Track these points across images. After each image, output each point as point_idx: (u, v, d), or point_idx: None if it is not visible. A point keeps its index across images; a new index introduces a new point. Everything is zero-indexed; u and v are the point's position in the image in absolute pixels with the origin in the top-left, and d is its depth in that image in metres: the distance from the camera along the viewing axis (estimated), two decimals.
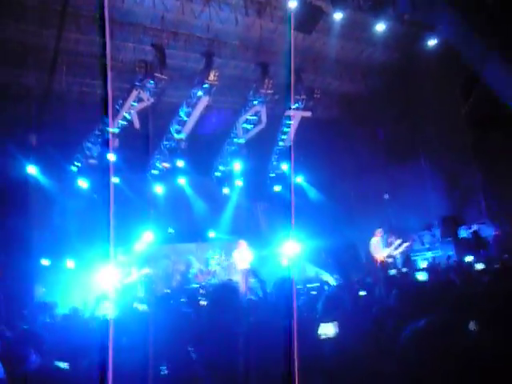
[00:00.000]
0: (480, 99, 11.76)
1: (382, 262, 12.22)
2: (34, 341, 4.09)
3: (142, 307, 6.71)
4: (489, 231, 11.75)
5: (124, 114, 12.67)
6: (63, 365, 3.10)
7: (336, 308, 3.75)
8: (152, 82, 12.12)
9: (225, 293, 3.54)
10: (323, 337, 2.96)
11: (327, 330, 2.98)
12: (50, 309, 8.38)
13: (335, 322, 3.00)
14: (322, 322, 3.03)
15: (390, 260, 12.04)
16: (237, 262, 12.59)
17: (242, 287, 10.63)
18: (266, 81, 13.26)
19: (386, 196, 12.70)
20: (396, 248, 11.97)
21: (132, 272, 11.15)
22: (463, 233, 12.58)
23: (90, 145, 13.14)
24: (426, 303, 3.39)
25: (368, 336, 3.23)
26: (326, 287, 8.93)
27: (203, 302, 6.02)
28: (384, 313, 3.94)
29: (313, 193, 16.04)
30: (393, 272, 9.00)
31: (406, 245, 12.11)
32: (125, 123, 12.86)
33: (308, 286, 10.19)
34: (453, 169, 12.83)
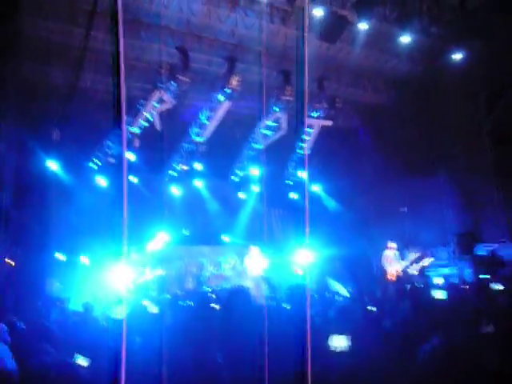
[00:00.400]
0: (503, 116, 11.62)
1: (394, 275, 12.10)
2: (48, 335, 4.13)
3: (151, 307, 6.73)
4: (508, 250, 11.54)
5: (146, 114, 12.80)
6: (83, 361, 3.10)
7: (348, 320, 3.73)
8: (175, 84, 12.22)
9: (237, 298, 3.52)
10: (335, 349, 2.93)
11: (339, 342, 2.95)
12: (62, 304, 8.46)
13: (347, 335, 2.97)
14: (334, 333, 3.00)
15: (403, 274, 11.92)
16: (249, 268, 12.58)
17: (255, 294, 10.61)
18: (288, 88, 13.27)
19: (404, 209, 12.59)
20: (413, 262, 11.83)
21: (146, 272, 11.21)
22: (481, 250, 12.38)
23: (110, 143, 13.27)
24: (440, 320, 3.35)
25: (379, 350, 3.20)
26: (337, 297, 8.86)
27: (215, 306, 6.02)
28: (396, 327, 3.89)
29: (329, 202, 15.97)
30: (407, 286, 8.89)
31: (428, 260, 11.96)
32: (146, 124, 12.99)
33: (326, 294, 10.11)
34: (472, 186, 12.66)
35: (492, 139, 11.88)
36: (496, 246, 11.91)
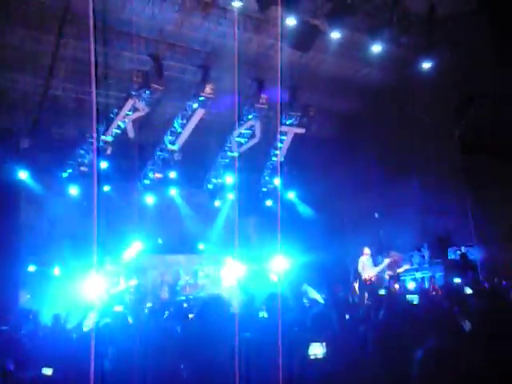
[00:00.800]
0: (472, 123, 11.91)
1: (368, 281, 12.21)
2: (15, 349, 4.03)
3: (119, 308, 6.65)
4: (477, 254, 11.80)
5: (118, 122, 12.67)
6: (47, 371, 3.05)
7: (323, 327, 3.73)
8: (148, 92, 12.16)
9: (211, 307, 3.49)
10: (312, 357, 2.94)
11: (316, 350, 2.96)
12: (33, 316, 8.26)
13: (323, 342, 2.98)
14: (312, 341, 3.01)
15: (376, 279, 12.03)
16: (224, 277, 12.53)
17: (230, 302, 10.53)
18: (261, 96, 13.36)
19: (376, 215, 12.75)
20: (388, 268, 11.96)
21: (120, 282, 11.05)
22: (452, 254, 12.63)
23: (82, 152, 13.08)
24: (415, 324, 3.39)
25: (355, 356, 3.22)
26: (308, 304, 8.88)
27: (190, 315, 5.97)
28: (372, 333, 3.92)
29: (304, 209, 16.06)
30: (382, 292, 8.98)
31: (404, 267, 12.13)
32: (119, 132, 12.86)
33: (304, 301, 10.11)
34: (443, 191, 12.92)
35: (462, 146, 12.16)
36: (465, 249, 12.18)
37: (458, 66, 11.41)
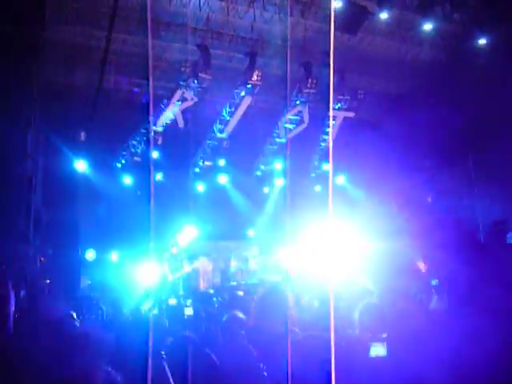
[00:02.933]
0: None
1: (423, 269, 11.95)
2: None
3: (189, 310, 6.71)
4: None
5: (169, 112, 12.94)
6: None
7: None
8: (196, 81, 12.31)
9: (272, 297, 3.37)
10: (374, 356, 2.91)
11: (378, 350, 2.93)
12: (96, 302, 8.61)
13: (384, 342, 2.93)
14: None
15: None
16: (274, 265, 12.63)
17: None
18: (309, 80, 13.21)
19: (429, 199, 12.42)
20: None
21: (184, 265, 11.25)
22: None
23: (135, 142, 13.48)
24: None
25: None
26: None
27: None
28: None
29: (354, 192, 15.79)
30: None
31: None
32: (169, 122, 13.13)
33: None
34: (502, 174, 12.33)
35: None
36: None
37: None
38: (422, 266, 11.68)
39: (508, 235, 12.25)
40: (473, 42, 11.74)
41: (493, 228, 12.60)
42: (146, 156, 13.26)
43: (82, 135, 12.62)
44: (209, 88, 12.92)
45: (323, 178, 15.78)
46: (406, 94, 14.41)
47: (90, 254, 11.99)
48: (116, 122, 12.62)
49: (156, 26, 10.95)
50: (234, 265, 13.92)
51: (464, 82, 12.63)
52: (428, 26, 11.11)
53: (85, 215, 12.67)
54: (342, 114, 14.21)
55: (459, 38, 12.02)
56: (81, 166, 12.87)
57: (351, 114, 14.14)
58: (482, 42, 11.58)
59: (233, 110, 13.58)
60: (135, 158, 13.65)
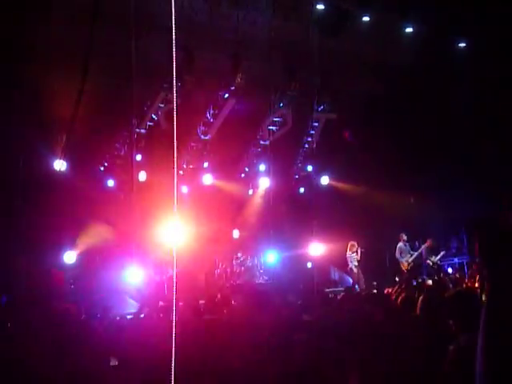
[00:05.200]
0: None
1: (406, 268, 12.10)
2: None
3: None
4: None
5: (151, 115, 12.88)
6: None
7: None
8: (179, 83, 12.25)
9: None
10: None
11: None
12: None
13: None
14: None
15: (413, 265, 11.93)
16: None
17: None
18: (293, 83, 13.28)
19: (410, 200, 12.56)
20: (426, 253, 11.86)
21: None
22: None
23: (117, 145, 13.37)
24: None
25: None
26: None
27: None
28: None
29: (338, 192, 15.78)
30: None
31: (440, 254, 12.00)
32: (152, 124, 13.06)
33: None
34: (483, 171, 12.43)
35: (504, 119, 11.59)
36: None
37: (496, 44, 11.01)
38: None
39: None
40: (453, 45, 11.91)
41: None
42: (128, 158, 13.14)
43: (64, 137, 12.45)
44: (192, 90, 12.88)
45: (307, 180, 15.81)
46: (388, 97, 14.53)
47: (69, 257, 11.81)
48: (98, 124, 12.48)
49: (137, 26, 10.88)
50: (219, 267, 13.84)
51: (445, 86, 12.78)
52: (408, 29, 11.25)
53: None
54: (324, 116, 14.30)
55: (439, 40, 12.16)
56: (60, 166, 12.57)
57: (333, 116, 14.23)
58: (461, 45, 11.76)
59: (216, 112, 13.56)
60: (117, 161, 13.54)
